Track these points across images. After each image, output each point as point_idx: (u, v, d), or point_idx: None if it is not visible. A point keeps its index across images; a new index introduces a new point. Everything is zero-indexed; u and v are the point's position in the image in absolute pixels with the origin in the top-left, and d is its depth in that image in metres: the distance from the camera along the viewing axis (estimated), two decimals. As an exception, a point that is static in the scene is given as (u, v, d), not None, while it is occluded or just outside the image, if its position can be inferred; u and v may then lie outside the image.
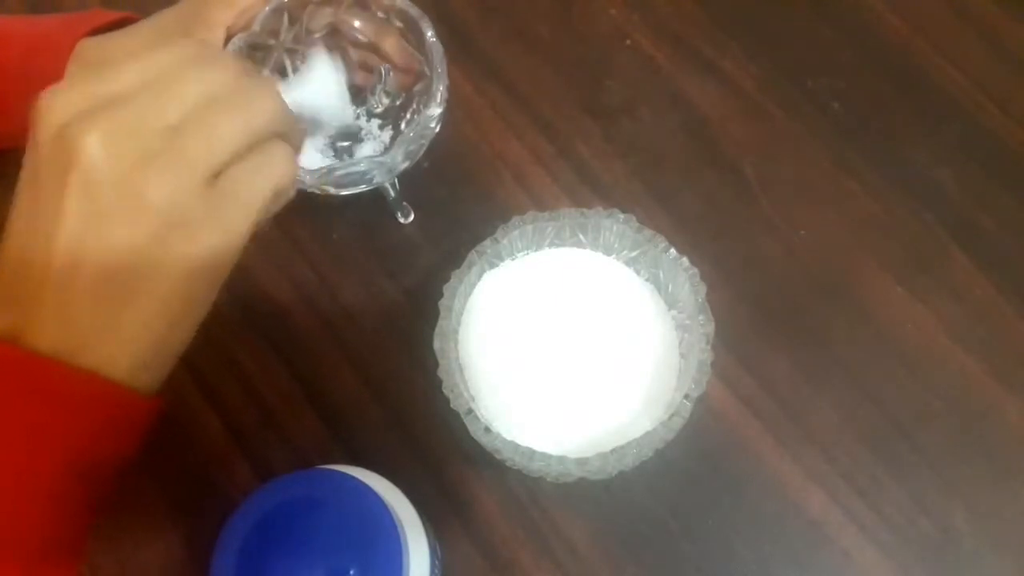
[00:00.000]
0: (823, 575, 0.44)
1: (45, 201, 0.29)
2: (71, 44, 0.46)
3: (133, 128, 0.28)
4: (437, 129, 0.42)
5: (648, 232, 0.42)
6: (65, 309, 0.29)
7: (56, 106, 0.29)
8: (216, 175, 0.29)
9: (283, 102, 0.32)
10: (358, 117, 0.47)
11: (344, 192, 0.42)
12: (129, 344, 0.30)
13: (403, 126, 0.45)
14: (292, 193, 0.33)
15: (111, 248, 0.29)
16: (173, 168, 0.28)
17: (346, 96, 0.45)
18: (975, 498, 0.45)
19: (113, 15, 0.48)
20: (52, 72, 0.46)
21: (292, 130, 0.33)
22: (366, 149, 0.46)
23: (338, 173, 0.40)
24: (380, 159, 0.41)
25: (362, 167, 0.40)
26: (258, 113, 0.31)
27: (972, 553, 0.44)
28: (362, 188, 0.42)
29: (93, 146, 0.28)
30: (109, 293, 0.29)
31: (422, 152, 0.42)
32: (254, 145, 0.30)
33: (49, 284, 0.29)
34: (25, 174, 0.30)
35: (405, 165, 0.42)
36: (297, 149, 0.34)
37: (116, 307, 0.30)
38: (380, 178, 0.42)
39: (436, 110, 0.41)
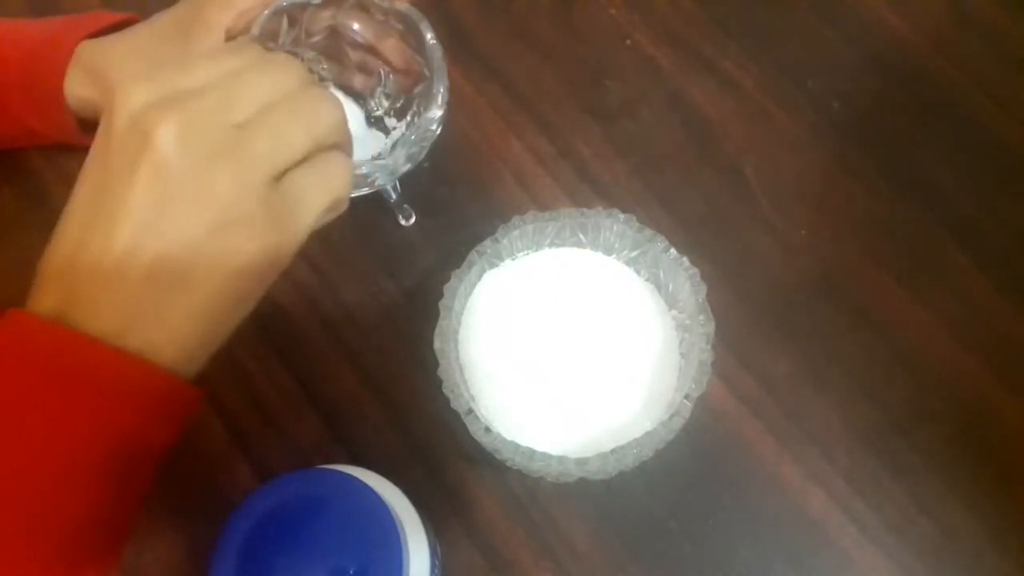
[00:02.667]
0: (823, 575, 0.44)
1: (114, 186, 0.29)
2: (71, 48, 0.46)
3: (205, 121, 0.29)
4: (438, 131, 0.42)
5: (648, 232, 0.42)
6: (118, 293, 0.30)
7: (132, 96, 0.29)
8: (278, 178, 0.30)
9: (344, 114, 0.33)
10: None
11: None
12: (176, 332, 0.31)
13: (404, 127, 0.45)
14: (345, 206, 0.34)
15: (172, 236, 0.29)
16: (240, 164, 0.29)
17: (364, 133, 0.45)
18: (975, 498, 0.45)
19: (114, 17, 0.48)
20: (52, 75, 0.46)
21: (348, 143, 0.34)
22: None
23: None
24: (382, 162, 0.41)
25: (364, 170, 0.40)
26: (322, 122, 0.31)
27: (972, 553, 0.44)
28: (364, 191, 0.42)
29: (167, 135, 0.28)
30: (163, 281, 0.30)
31: (424, 154, 0.42)
32: (314, 153, 0.31)
33: (105, 267, 0.29)
34: (93, 161, 0.30)
35: (407, 167, 0.42)
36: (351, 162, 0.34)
37: (168, 295, 0.30)
38: (382, 181, 0.42)
39: (437, 112, 0.41)
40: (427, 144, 0.42)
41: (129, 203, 0.29)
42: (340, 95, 0.44)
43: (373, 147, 0.45)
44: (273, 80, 0.31)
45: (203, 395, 0.33)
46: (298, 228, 0.31)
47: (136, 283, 0.29)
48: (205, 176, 0.29)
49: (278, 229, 0.31)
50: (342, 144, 0.33)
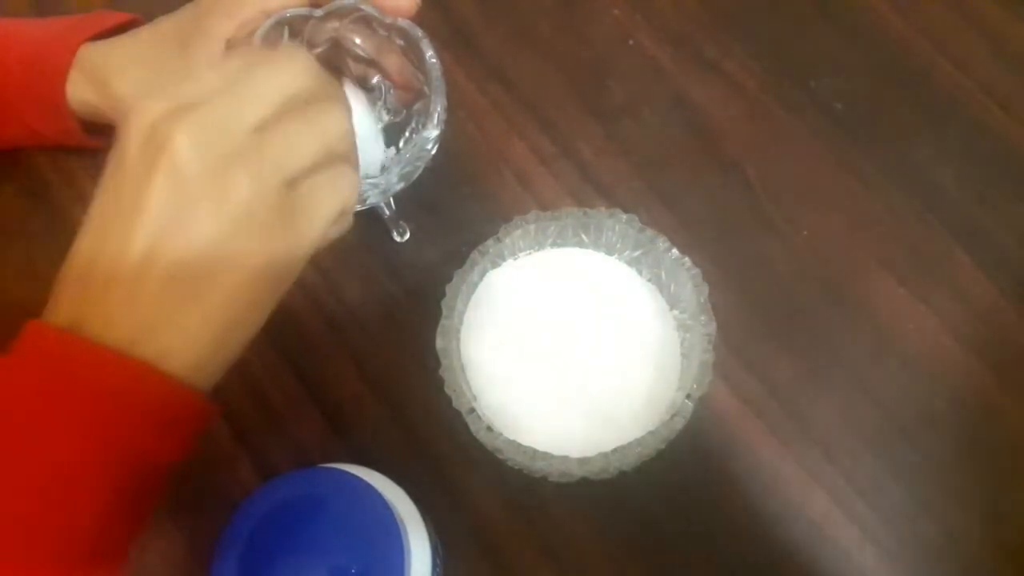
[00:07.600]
0: (823, 575, 0.44)
1: (128, 195, 0.30)
2: (73, 51, 0.46)
3: (218, 125, 0.29)
4: (434, 151, 0.41)
5: (650, 232, 0.42)
6: (133, 300, 0.30)
7: (147, 110, 0.30)
8: (290, 183, 0.31)
9: (350, 125, 0.33)
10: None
11: None
12: (189, 339, 0.31)
13: (401, 143, 0.45)
14: (351, 221, 0.34)
15: (187, 241, 0.29)
16: (254, 167, 0.30)
17: (378, 138, 0.45)
18: (976, 499, 0.45)
19: (116, 19, 0.48)
20: (54, 78, 0.46)
21: (354, 153, 0.34)
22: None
23: None
24: (375, 180, 0.40)
25: None
26: (331, 130, 0.32)
27: (973, 554, 0.44)
28: (355, 208, 0.42)
29: (182, 141, 0.29)
30: (179, 286, 0.30)
31: (418, 173, 0.42)
32: (324, 161, 0.32)
33: (121, 274, 0.30)
34: (108, 176, 0.31)
35: (400, 186, 0.42)
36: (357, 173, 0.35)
37: (183, 301, 0.30)
38: (374, 199, 0.42)
39: (433, 132, 0.40)
40: (421, 164, 0.41)
41: (144, 210, 0.29)
42: (356, 96, 0.44)
43: (379, 149, 0.45)
44: (280, 77, 0.31)
45: (216, 410, 0.33)
46: (310, 232, 0.32)
47: (152, 289, 0.30)
48: (220, 179, 0.29)
49: (291, 232, 0.31)
50: (349, 153, 0.33)
